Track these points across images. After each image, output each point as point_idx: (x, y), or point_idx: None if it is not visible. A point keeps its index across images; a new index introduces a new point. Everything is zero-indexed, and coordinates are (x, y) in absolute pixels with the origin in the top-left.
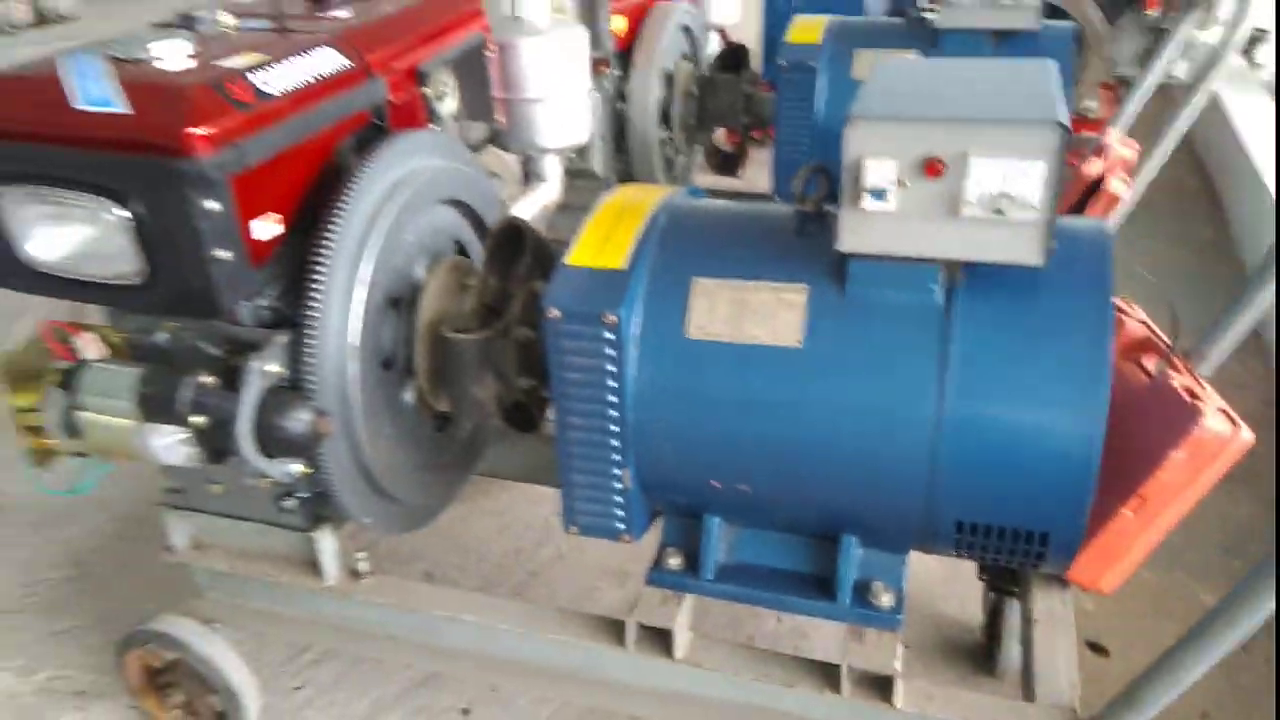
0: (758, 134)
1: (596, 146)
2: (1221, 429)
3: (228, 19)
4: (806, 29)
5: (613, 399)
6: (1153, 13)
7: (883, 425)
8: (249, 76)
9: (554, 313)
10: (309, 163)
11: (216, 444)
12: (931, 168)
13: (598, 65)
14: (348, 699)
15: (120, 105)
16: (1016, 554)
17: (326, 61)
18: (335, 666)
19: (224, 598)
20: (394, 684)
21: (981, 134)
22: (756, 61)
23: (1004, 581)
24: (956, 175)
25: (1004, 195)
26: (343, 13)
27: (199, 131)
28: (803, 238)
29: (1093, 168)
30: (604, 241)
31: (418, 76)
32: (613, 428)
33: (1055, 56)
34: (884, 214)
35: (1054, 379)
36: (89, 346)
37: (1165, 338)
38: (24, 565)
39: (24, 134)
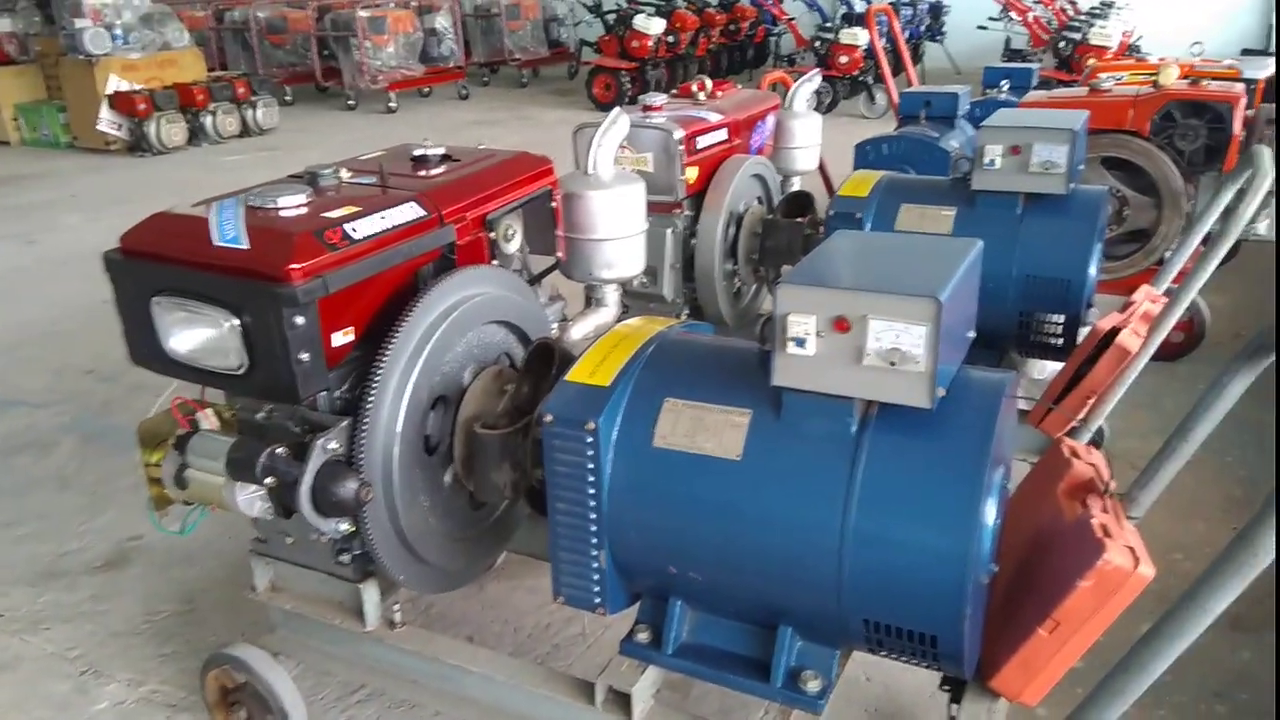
0: None
1: (667, 275)
2: (1123, 563)
3: (345, 174)
4: (859, 183)
5: (592, 492)
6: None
7: (802, 531)
8: (343, 225)
9: (548, 418)
10: (383, 288)
11: (284, 502)
12: (840, 325)
13: (671, 207)
14: None
15: (244, 243)
16: (916, 655)
17: (407, 213)
18: (376, 707)
19: (291, 634)
20: None
21: (878, 302)
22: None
23: (954, 690)
24: (860, 332)
25: (895, 350)
26: (436, 171)
27: (295, 266)
28: (757, 371)
29: (1106, 321)
30: (600, 363)
31: (485, 223)
32: (591, 515)
33: (1084, 218)
34: (805, 358)
35: (935, 508)
36: (206, 419)
37: (1109, 481)
38: (148, 597)
39: (177, 259)
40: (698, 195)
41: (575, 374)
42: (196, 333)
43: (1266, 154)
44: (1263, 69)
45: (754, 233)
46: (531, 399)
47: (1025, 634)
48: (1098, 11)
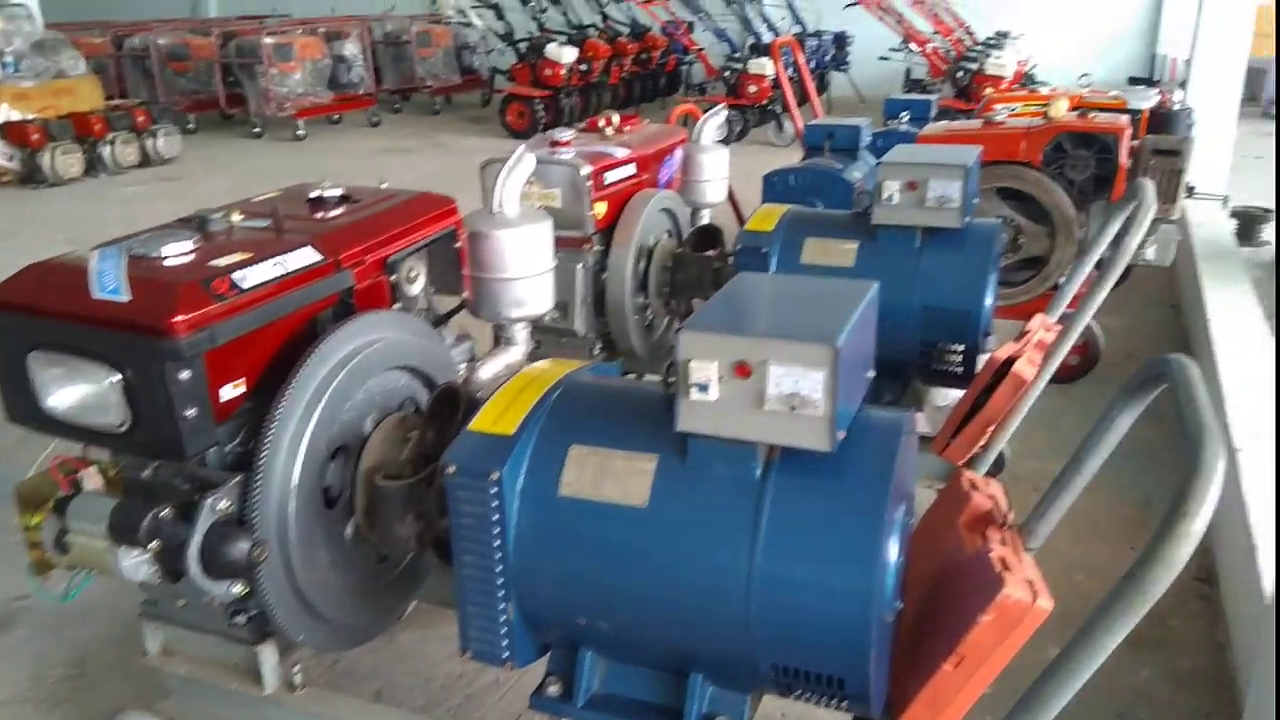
0: None
1: (579, 310)
2: (1022, 597)
3: (236, 217)
4: (765, 217)
5: (497, 543)
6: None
7: (708, 577)
8: (232, 274)
9: (451, 469)
10: (277, 336)
11: (171, 565)
12: (741, 370)
13: (581, 242)
14: None
15: (125, 295)
16: (824, 696)
17: (302, 258)
18: None
19: (186, 699)
20: None
21: (777, 347)
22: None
23: None
24: (760, 377)
25: (795, 395)
26: (334, 213)
27: (179, 319)
28: (661, 414)
29: (1003, 351)
30: (504, 411)
31: (386, 266)
32: (498, 568)
33: (979, 250)
34: (708, 403)
35: (837, 549)
36: (89, 478)
37: (1007, 513)
38: (34, 661)
39: (55, 312)
40: (607, 230)
41: (479, 422)
42: (75, 389)
43: (1149, 186)
44: (1146, 100)
45: (664, 266)
46: (436, 446)
47: (931, 669)
48: (993, 42)
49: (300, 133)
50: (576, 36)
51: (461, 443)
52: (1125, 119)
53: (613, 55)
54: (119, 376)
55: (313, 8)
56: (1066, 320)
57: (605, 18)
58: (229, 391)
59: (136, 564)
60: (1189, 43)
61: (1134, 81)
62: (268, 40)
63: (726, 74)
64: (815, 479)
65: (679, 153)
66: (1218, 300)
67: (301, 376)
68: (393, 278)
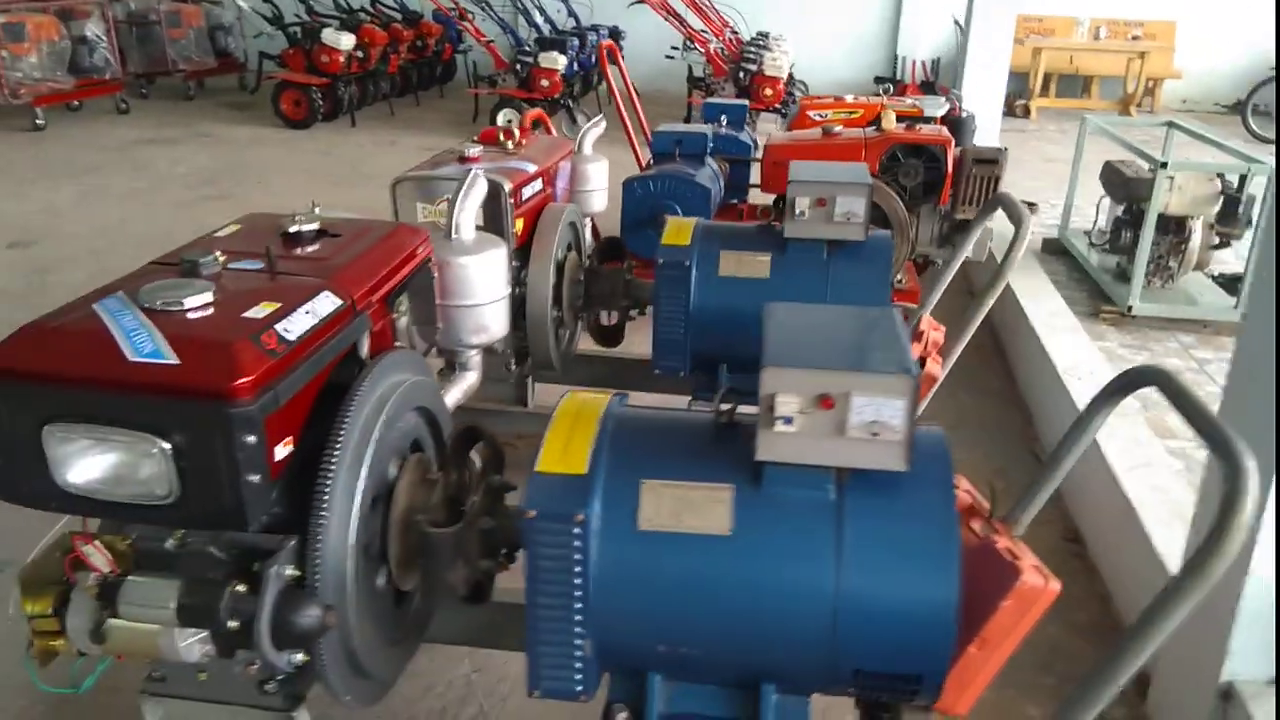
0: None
1: None
2: (1037, 582)
3: (220, 257)
4: (679, 231)
5: (578, 583)
6: (945, 206)
7: (795, 594)
8: (274, 326)
9: (531, 513)
10: (313, 390)
11: (235, 642)
12: (825, 402)
13: None
14: None
15: (170, 356)
16: (898, 692)
17: (326, 303)
18: None
19: None
20: None
21: (860, 380)
22: None
23: (879, 711)
24: (843, 408)
25: (876, 422)
26: (314, 248)
27: (243, 381)
28: (722, 444)
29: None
30: (565, 449)
31: (388, 304)
32: (576, 606)
33: (879, 259)
34: (789, 434)
35: (919, 558)
36: (97, 553)
37: (986, 504)
38: None
39: (77, 380)
40: (524, 246)
41: (545, 463)
42: (105, 461)
43: (1023, 206)
44: (939, 108)
45: (576, 280)
46: (460, 486)
47: (956, 653)
48: (760, 43)
49: (40, 121)
50: (349, 22)
51: (536, 485)
52: (945, 131)
53: (389, 42)
54: (167, 445)
55: None
56: (966, 320)
57: (375, 2)
58: (281, 451)
59: (192, 644)
60: (926, 46)
61: (879, 81)
62: None
63: (518, 67)
64: (888, 496)
65: (566, 164)
66: (1023, 287)
67: (348, 428)
68: (394, 315)
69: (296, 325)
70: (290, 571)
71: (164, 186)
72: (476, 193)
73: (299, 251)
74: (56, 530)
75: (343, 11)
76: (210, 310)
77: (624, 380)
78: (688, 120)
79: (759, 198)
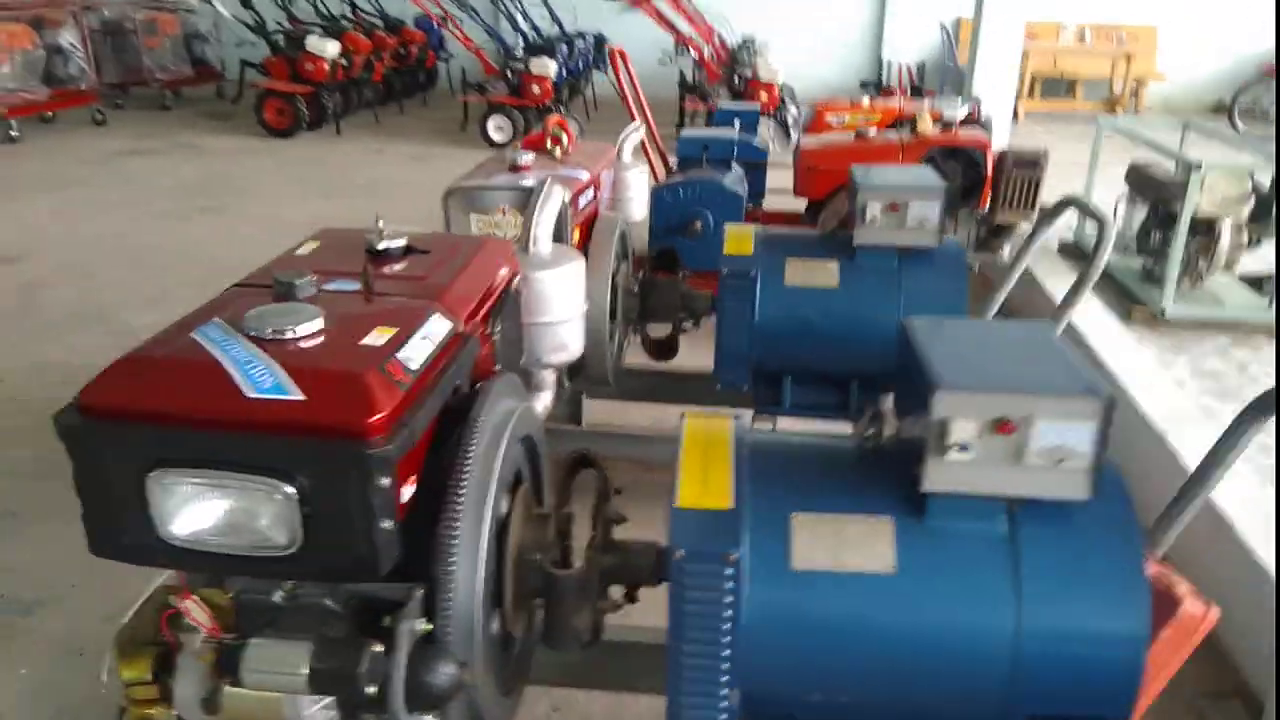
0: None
1: None
2: (1196, 610)
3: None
4: (739, 240)
5: (726, 626)
6: (982, 210)
7: (970, 635)
8: (396, 354)
9: (679, 553)
10: (431, 424)
11: (366, 707)
12: (1004, 427)
13: None
14: None
15: (295, 392)
16: None
17: (439, 327)
18: None
19: None
20: None
21: (1045, 403)
22: None
23: None
24: (1024, 432)
25: (1061, 448)
26: (404, 266)
27: (378, 417)
28: (874, 471)
29: None
30: (703, 481)
31: (488, 324)
32: (724, 653)
33: (949, 268)
34: (963, 462)
35: (1105, 592)
36: (198, 611)
37: None
38: None
39: (191, 419)
40: None
41: (685, 498)
42: (218, 509)
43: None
44: (959, 110)
45: (630, 291)
46: (568, 519)
47: None
48: (747, 48)
49: (14, 134)
50: (332, 29)
51: (680, 523)
52: (983, 133)
53: (373, 49)
54: (291, 490)
55: None
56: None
57: (355, 8)
58: (407, 492)
59: (318, 711)
60: (911, 51)
61: (864, 85)
62: None
63: (508, 73)
64: (1066, 527)
65: (608, 172)
66: (1054, 286)
67: (471, 464)
68: (493, 336)
69: (417, 352)
70: (421, 625)
71: (150, 199)
72: (554, 203)
73: (389, 270)
74: (154, 587)
75: (324, 19)
76: (323, 338)
77: (678, 395)
78: (680, 126)
79: (769, 202)
